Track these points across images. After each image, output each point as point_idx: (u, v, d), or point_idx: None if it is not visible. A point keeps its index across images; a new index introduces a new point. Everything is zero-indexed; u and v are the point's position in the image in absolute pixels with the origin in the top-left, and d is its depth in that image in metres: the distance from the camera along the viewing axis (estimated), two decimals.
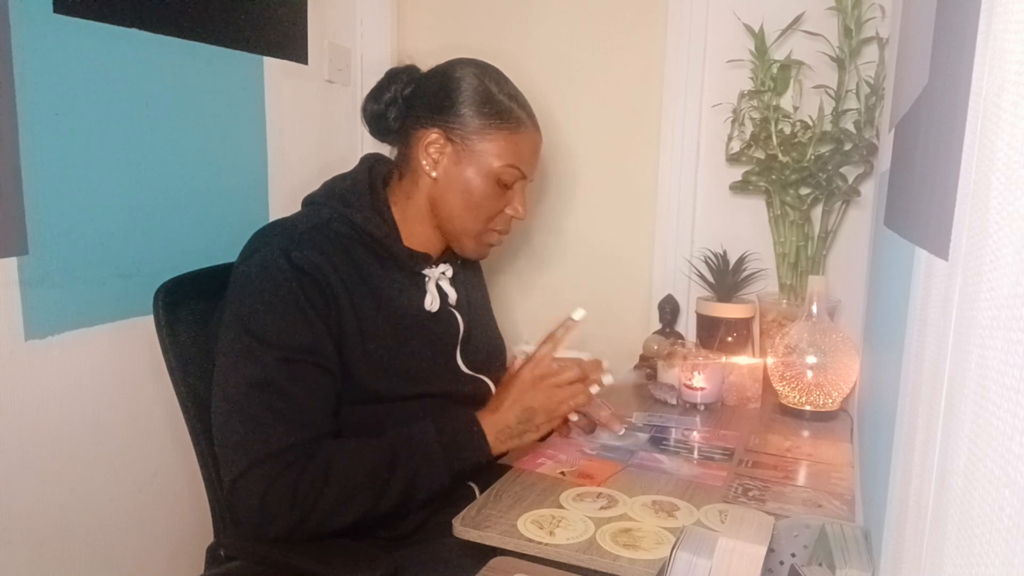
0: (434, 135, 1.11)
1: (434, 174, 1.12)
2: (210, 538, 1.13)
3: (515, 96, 1.16)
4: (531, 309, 1.83)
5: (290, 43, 1.55)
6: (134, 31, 1.21)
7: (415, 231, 1.15)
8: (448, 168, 1.12)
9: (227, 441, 0.97)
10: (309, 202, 1.15)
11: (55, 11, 1.09)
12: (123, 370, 1.25)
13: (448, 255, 1.21)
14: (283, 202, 1.52)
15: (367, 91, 1.20)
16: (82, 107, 1.14)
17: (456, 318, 1.19)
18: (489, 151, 1.11)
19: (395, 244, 1.12)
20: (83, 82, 1.14)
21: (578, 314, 1.12)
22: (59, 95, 1.11)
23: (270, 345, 0.97)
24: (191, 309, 1.14)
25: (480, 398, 1.17)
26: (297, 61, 1.58)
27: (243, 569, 1.04)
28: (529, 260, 1.82)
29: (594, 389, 1.11)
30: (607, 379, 1.14)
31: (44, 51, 1.08)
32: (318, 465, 0.96)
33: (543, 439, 1.17)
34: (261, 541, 0.99)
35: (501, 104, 1.12)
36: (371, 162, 1.17)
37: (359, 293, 1.05)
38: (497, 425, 1.07)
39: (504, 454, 1.19)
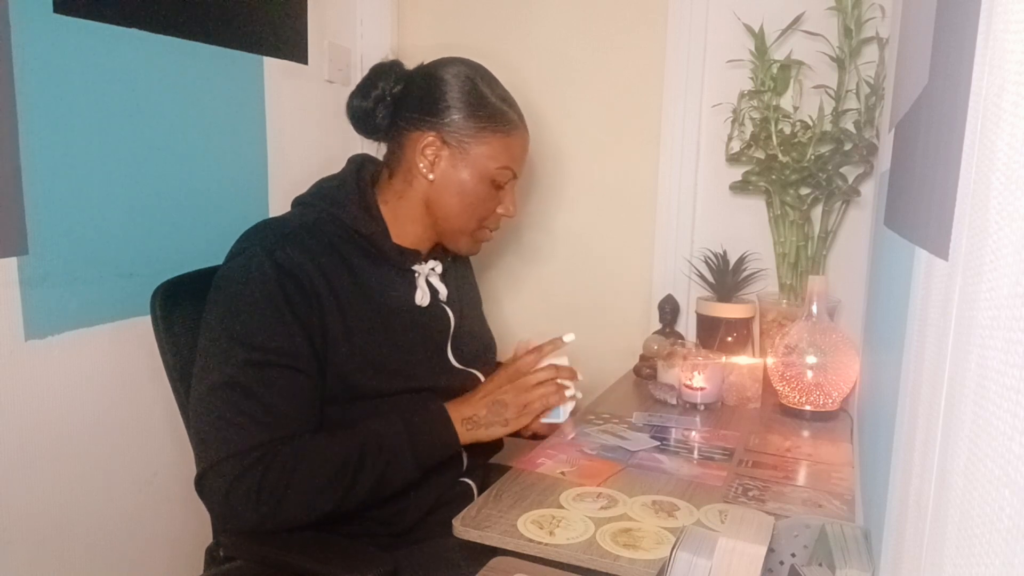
0: (430, 138, 1.12)
1: (431, 176, 1.14)
2: (209, 538, 1.13)
3: (506, 98, 1.17)
4: (532, 309, 1.83)
5: (290, 43, 1.55)
6: (134, 31, 1.21)
7: (406, 229, 1.16)
8: (445, 170, 1.13)
9: (197, 436, 1.00)
10: (298, 203, 1.16)
11: (55, 11, 1.09)
12: (123, 370, 1.25)
13: (437, 252, 1.22)
14: (283, 202, 1.52)
15: None
16: (82, 107, 1.14)
17: (447, 313, 1.20)
18: (485, 154, 1.13)
19: (384, 241, 1.12)
20: (83, 82, 1.14)
21: (568, 337, 1.16)
22: (59, 95, 1.11)
23: (245, 346, 0.98)
24: (189, 309, 1.13)
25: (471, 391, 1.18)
26: (297, 61, 1.58)
27: (243, 569, 1.04)
28: (527, 260, 1.82)
29: (569, 407, 1.15)
30: (574, 393, 1.17)
31: (44, 51, 1.08)
32: (282, 465, 0.96)
33: (525, 435, 1.20)
34: (262, 540, 0.99)
35: (495, 107, 1.14)
36: (359, 162, 1.18)
37: (347, 291, 1.06)
38: (465, 414, 1.09)
39: (496, 448, 1.20)
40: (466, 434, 1.08)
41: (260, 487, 0.95)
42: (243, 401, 0.97)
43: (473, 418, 1.09)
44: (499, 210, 1.19)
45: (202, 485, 0.98)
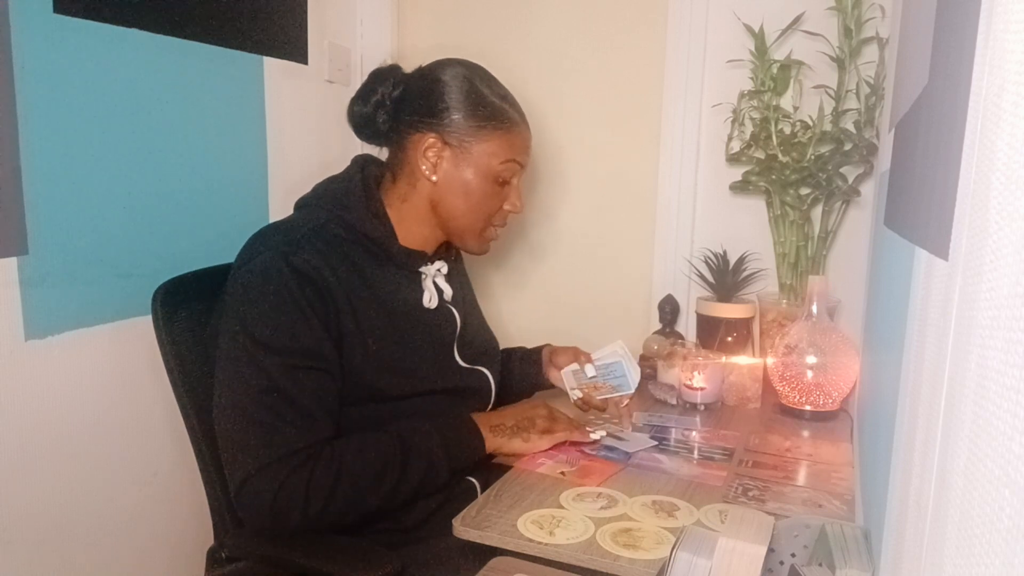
0: (431, 139, 1.12)
1: (434, 178, 1.14)
2: (210, 539, 1.13)
3: (505, 96, 1.17)
4: (533, 309, 1.83)
5: (290, 43, 1.55)
6: (134, 31, 1.21)
7: (411, 231, 1.16)
8: (447, 171, 1.13)
9: (233, 444, 0.99)
10: (302, 205, 1.16)
11: (55, 11, 1.09)
12: (123, 370, 1.25)
13: (441, 252, 1.22)
14: (283, 202, 1.52)
15: None
16: (82, 107, 1.14)
17: (453, 314, 1.21)
18: (486, 151, 1.13)
19: (392, 244, 1.12)
20: (83, 82, 1.14)
21: (597, 434, 1.23)
22: (59, 95, 1.11)
23: (274, 350, 0.98)
24: (190, 309, 1.13)
25: (480, 390, 1.21)
26: (297, 61, 1.58)
27: (248, 569, 1.04)
28: (527, 260, 1.82)
29: (596, 435, 1.20)
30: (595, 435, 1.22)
31: (44, 51, 1.08)
32: (328, 465, 0.98)
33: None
34: (266, 540, 0.99)
35: (494, 105, 1.14)
36: (362, 163, 1.18)
37: (358, 294, 1.06)
38: (493, 421, 1.14)
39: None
40: (491, 439, 1.12)
41: (309, 488, 0.96)
42: (280, 405, 0.97)
43: (500, 426, 1.13)
44: (505, 206, 1.19)
45: (244, 491, 0.97)
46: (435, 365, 1.15)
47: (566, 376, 1.30)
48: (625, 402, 1.28)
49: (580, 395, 1.28)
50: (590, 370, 1.28)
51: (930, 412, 0.43)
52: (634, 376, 1.26)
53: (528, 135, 1.20)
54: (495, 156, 1.14)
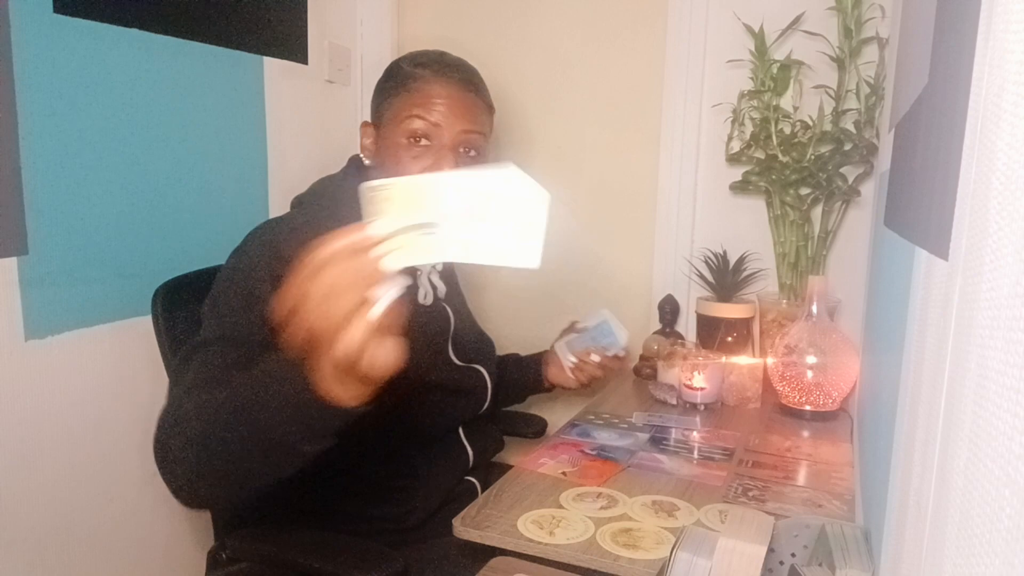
0: (364, 128, 1.16)
1: (367, 162, 1.16)
2: (211, 540, 1.13)
3: (426, 63, 1.13)
4: (532, 309, 1.82)
5: (290, 43, 1.55)
6: (134, 31, 1.21)
7: None
8: (378, 150, 1.15)
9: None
10: (298, 203, 1.17)
11: (55, 11, 1.09)
12: (123, 370, 1.25)
13: None
14: (283, 202, 1.52)
15: (367, 91, 1.22)
16: (82, 107, 1.14)
17: (447, 311, 1.21)
18: (394, 116, 1.11)
19: None
20: (83, 82, 1.14)
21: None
22: (59, 95, 1.11)
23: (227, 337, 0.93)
24: (189, 310, 1.13)
25: (476, 388, 1.20)
26: (297, 61, 1.58)
27: (249, 570, 1.04)
28: None
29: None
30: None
31: (44, 51, 1.08)
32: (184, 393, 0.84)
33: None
34: (268, 539, 0.99)
35: (402, 71, 1.13)
36: (358, 163, 1.19)
37: None
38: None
39: (498, 447, 1.21)
40: (318, 373, 0.70)
41: (169, 409, 0.85)
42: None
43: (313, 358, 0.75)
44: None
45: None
46: (429, 362, 1.15)
47: (559, 349, 1.31)
48: (621, 354, 1.29)
49: (575, 360, 1.28)
50: (580, 328, 1.29)
51: (930, 412, 0.43)
52: (622, 335, 1.28)
53: (437, 87, 1.11)
54: (400, 113, 1.11)
